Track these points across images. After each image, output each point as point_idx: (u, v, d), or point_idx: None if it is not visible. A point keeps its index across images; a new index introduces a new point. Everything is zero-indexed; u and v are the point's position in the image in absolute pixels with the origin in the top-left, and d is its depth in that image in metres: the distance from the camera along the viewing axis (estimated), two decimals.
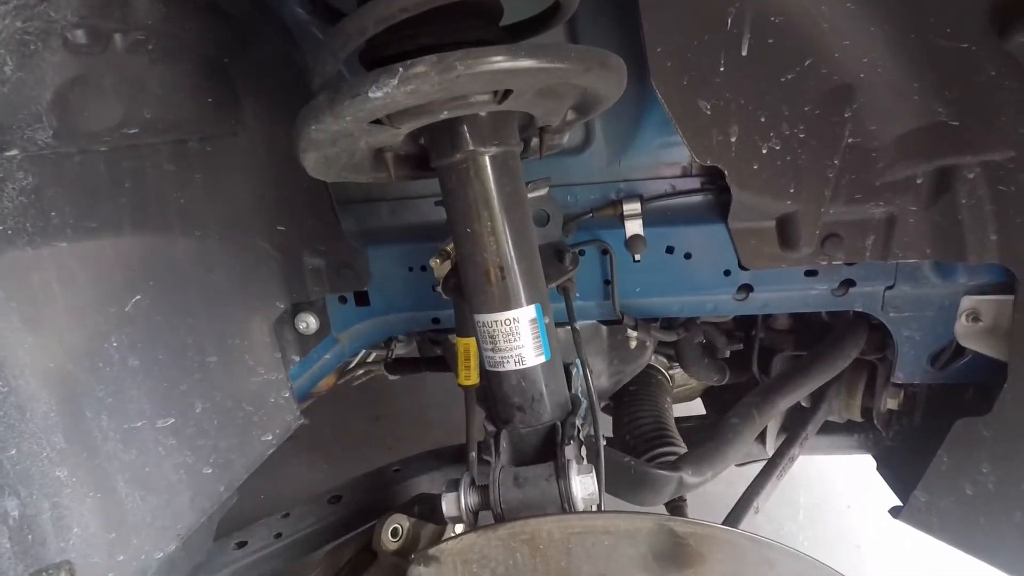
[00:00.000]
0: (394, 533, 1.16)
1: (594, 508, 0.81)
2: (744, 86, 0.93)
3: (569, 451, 0.81)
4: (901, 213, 1.01)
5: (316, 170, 0.81)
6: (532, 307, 0.84)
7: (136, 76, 0.84)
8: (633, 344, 1.34)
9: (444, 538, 0.86)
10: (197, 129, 0.95)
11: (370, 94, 0.62)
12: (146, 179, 0.92)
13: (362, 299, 1.29)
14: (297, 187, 1.11)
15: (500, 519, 0.78)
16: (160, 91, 0.88)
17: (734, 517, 1.20)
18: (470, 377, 1.18)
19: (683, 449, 1.34)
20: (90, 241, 0.86)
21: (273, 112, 1.04)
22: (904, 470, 1.25)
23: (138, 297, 0.93)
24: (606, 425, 1.59)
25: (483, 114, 0.78)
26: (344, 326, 1.32)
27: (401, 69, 0.61)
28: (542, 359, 0.85)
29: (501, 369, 0.85)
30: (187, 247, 1.00)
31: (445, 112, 0.73)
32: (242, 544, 1.32)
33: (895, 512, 1.22)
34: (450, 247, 1.02)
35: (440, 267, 1.03)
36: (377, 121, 0.72)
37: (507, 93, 0.71)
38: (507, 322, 0.83)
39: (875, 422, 1.36)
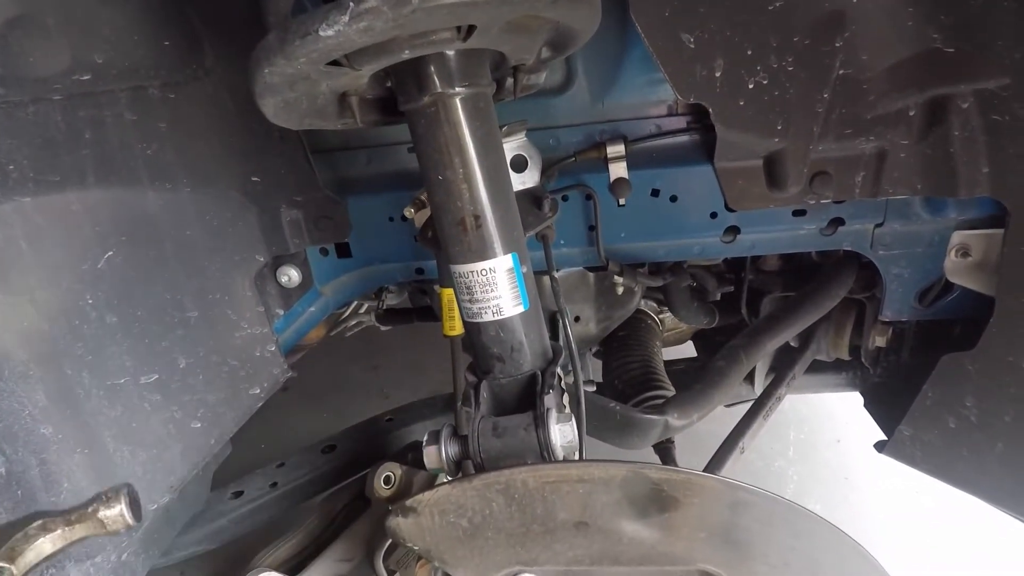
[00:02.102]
0: (387, 481, 1.18)
1: (575, 456, 0.81)
2: (729, 16, 0.88)
3: (549, 400, 0.81)
4: (892, 148, 0.97)
5: (277, 116, 0.77)
6: (509, 256, 0.82)
7: (82, 16, 0.80)
8: (620, 290, 1.33)
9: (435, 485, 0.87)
10: (156, 75, 0.91)
11: (321, 32, 0.58)
12: (107, 129, 0.88)
13: (344, 251, 1.27)
14: (268, 136, 1.07)
15: (480, 469, 0.79)
16: (111, 33, 0.83)
17: (720, 457, 1.22)
18: (455, 328, 1.17)
19: (671, 392, 1.35)
20: (54, 195, 0.84)
21: (238, 56, 0.99)
22: (890, 406, 1.26)
23: (110, 253, 0.91)
24: (597, 370, 1.61)
25: (449, 53, 0.73)
26: (327, 278, 1.31)
27: (352, 4, 0.57)
28: (520, 309, 0.84)
29: (479, 320, 0.84)
30: (158, 200, 0.97)
31: (407, 51, 0.68)
32: (238, 494, 1.35)
33: (880, 447, 1.23)
34: (425, 196, 1.00)
35: (417, 216, 1.01)
36: (335, 62, 0.68)
37: (471, 29, 0.66)
38: (483, 272, 0.81)
39: (863, 360, 1.36)
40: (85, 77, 0.83)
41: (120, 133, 0.90)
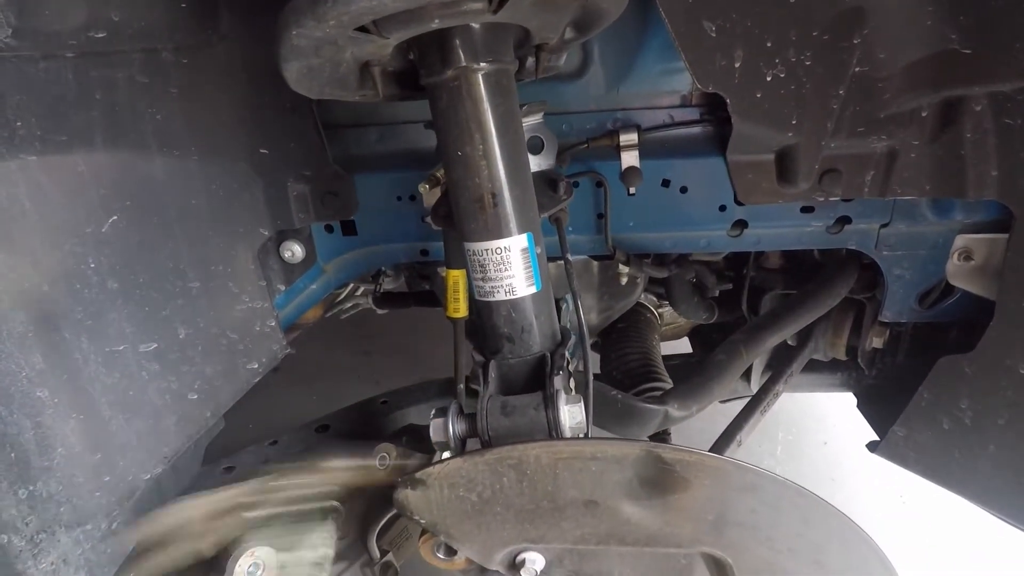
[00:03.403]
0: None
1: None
2: (752, 7, 0.88)
3: (558, 381, 0.81)
4: (903, 147, 0.98)
5: (299, 83, 0.76)
6: (524, 236, 0.82)
7: None
8: (624, 280, 1.33)
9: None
10: (170, 38, 0.89)
11: None
12: (118, 91, 0.87)
13: (349, 228, 1.26)
14: (280, 108, 1.06)
15: (487, 446, 0.78)
16: None
17: (718, 449, 1.23)
18: (459, 310, 1.16)
19: (669, 385, 1.35)
20: (61, 156, 0.82)
21: (253, 24, 0.98)
22: (884, 407, 1.27)
23: (115, 218, 0.89)
24: (594, 361, 1.61)
25: (476, 26, 0.73)
26: (331, 256, 1.30)
27: None
28: (533, 289, 0.84)
29: (491, 299, 0.84)
30: (165, 167, 0.95)
31: (436, 21, 0.68)
32: (230, 469, 1.33)
33: (872, 447, 1.25)
34: (440, 173, 0.99)
35: (429, 193, 1.00)
36: (364, 29, 0.67)
37: (503, 1, 0.66)
38: (498, 251, 0.81)
39: (859, 360, 1.37)
40: (100, 35, 0.81)
41: (131, 96, 0.88)
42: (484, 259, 0.82)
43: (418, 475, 0.69)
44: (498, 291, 0.83)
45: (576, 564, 0.72)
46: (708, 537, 0.69)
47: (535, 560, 0.71)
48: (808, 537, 0.68)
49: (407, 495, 0.70)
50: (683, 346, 1.88)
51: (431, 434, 0.81)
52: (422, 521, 0.72)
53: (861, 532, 0.67)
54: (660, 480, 0.66)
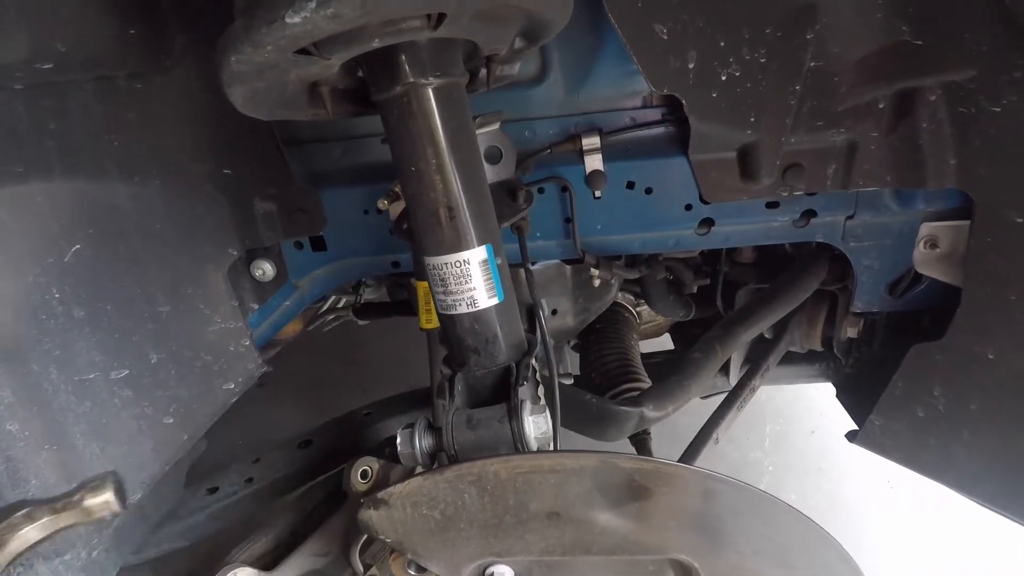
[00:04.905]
0: (364, 475, 1.17)
1: (550, 448, 0.81)
2: (703, 7, 0.88)
3: (523, 392, 0.81)
4: (862, 140, 0.99)
5: (246, 107, 0.76)
6: (483, 248, 0.82)
7: (42, 3, 0.78)
8: (597, 283, 1.33)
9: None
10: (122, 65, 0.89)
11: (287, 19, 0.57)
12: (72, 120, 0.86)
13: (319, 244, 1.26)
14: (240, 127, 1.06)
15: (454, 461, 0.79)
16: (74, 21, 0.81)
17: (694, 447, 1.23)
18: (431, 320, 1.17)
19: (648, 384, 1.36)
20: (17, 187, 0.82)
21: (207, 45, 0.97)
22: (861, 396, 1.28)
23: (77, 247, 0.89)
24: (574, 363, 1.61)
25: (422, 42, 0.73)
26: (302, 272, 1.29)
27: None
28: (495, 300, 0.83)
29: (454, 312, 0.84)
30: (127, 193, 0.95)
31: (376, 40, 0.68)
32: (213, 490, 1.33)
33: (851, 436, 1.25)
34: (398, 187, 0.99)
35: (391, 208, 1.00)
36: (305, 51, 0.67)
37: (441, 17, 0.66)
38: (457, 264, 0.81)
39: (835, 351, 1.38)
40: (47, 66, 0.80)
41: (86, 124, 0.88)
42: (444, 273, 0.82)
43: (380, 495, 0.69)
44: (460, 304, 0.83)
45: (545, 575, 0.72)
46: (673, 543, 0.69)
47: (504, 573, 0.72)
48: (771, 538, 0.68)
49: (371, 515, 0.70)
50: (667, 342, 1.88)
51: (398, 449, 0.82)
52: (388, 540, 0.72)
53: (822, 531, 0.68)
54: (621, 489, 0.66)
